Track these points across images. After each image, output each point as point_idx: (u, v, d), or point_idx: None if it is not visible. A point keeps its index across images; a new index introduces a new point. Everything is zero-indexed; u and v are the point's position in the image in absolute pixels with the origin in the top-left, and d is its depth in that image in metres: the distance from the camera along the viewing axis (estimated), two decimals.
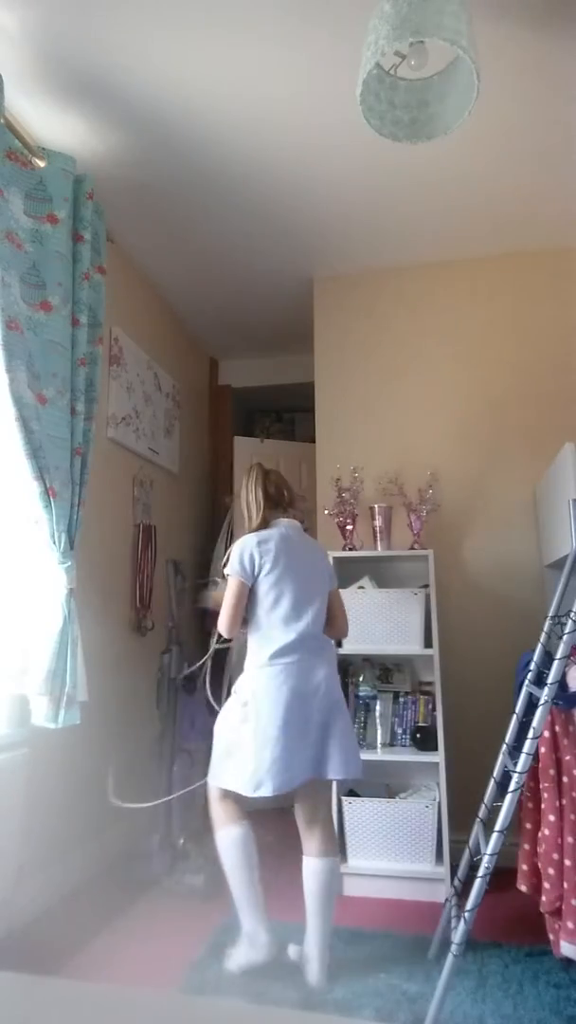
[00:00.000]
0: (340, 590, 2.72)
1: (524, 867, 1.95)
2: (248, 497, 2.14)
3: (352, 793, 2.67)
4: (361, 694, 2.77)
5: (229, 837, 1.96)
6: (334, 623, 2.16)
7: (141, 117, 2.31)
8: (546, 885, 1.84)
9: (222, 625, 2.00)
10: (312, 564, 2.09)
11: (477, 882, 1.62)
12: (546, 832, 1.86)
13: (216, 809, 2.01)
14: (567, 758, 1.87)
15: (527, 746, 1.68)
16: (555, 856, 1.82)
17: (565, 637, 1.71)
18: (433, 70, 1.81)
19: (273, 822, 3.37)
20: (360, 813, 2.55)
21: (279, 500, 2.14)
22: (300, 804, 1.99)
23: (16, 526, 2.29)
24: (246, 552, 2.01)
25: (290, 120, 2.33)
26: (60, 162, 2.33)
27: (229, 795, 1.99)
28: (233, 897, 1.95)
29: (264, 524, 2.09)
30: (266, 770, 1.85)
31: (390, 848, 2.52)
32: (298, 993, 1.84)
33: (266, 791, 1.83)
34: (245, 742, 1.92)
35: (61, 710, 2.18)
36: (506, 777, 1.84)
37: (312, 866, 1.93)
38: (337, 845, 2.02)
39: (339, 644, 2.64)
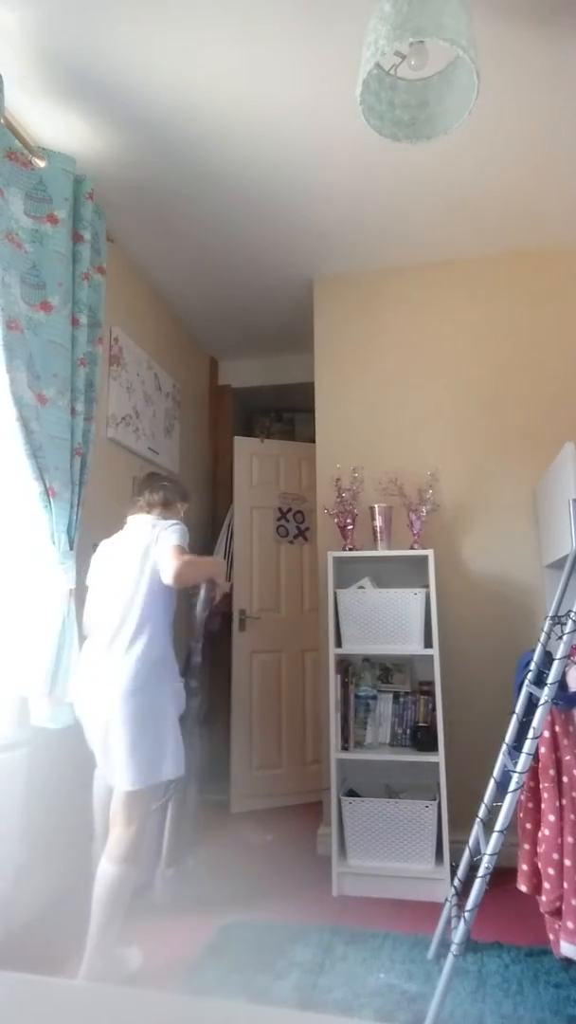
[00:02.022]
0: (340, 590, 2.74)
1: (524, 867, 1.95)
2: None
3: (352, 793, 2.67)
4: (361, 694, 2.77)
5: None
6: (162, 572, 2.00)
7: (142, 117, 2.31)
8: (546, 885, 1.83)
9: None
10: (130, 551, 2.09)
11: (477, 882, 1.62)
12: (546, 832, 1.86)
13: None
14: (567, 758, 1.87)
15: (527, 746, 1.68)
16: (555, 856, 1.82)
17: (565, 637, 1.71)
18: (433, 70, 1.81)
19: (273, 822, 3.38)
20: (360, 813, 2.55)
21: (138, 501, 2.28)
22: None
23: (16, 526, 2.29)
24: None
25: (290, 120, 2.33)
26: (60, 162, 2.33)
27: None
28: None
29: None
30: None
31: (390, 848, 2.52)
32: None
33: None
34: None
35: (59, 710, 2.18)
36: (506, 777, 1.84)
37: (98, 870, 1.91)
38: (126, 853, 1.90)
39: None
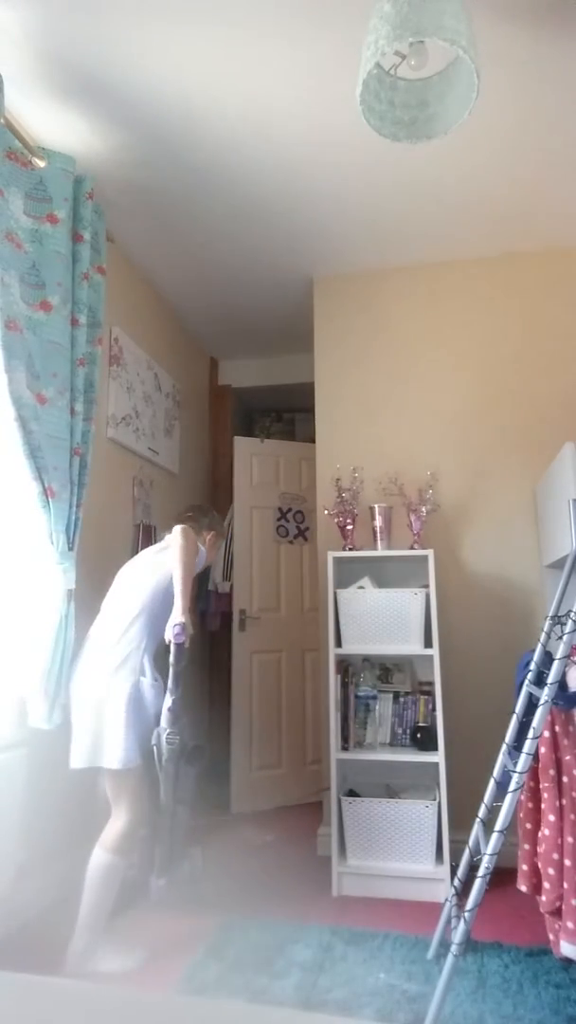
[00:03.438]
0: (340, 590, 2.74)
1: (524, 867, 1.95)
2: None
3: (352, 793, 2.67)
4: (361, 694, 2.77)
5: None
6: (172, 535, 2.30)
7: (141, 117, 2.31)
8: (546, 885, 1.84)
9: None
10: (135, 568, 2.30)
11: (477, 882, 1.62)
12: (546, 832, 1.86)
13: None
14: (567, 758, 1.87)
15: (527, 746, 1.68)
16: (555, 856, 1.82)
17: (565, 637, 1.71)
18: (433, 70, 1.81)
19: (273, 822, 3.38)
20: (360, 813, 2.55)
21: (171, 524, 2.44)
22: None
23: (16, 526, 2.29)
24: None
25: (290, 120, 2.33)
26: (60, 162, 2.33)
27: None
28: None
29: None
30: None
31: (390, 848, 2.52)
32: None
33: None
34: None
35: (56, 711, 2.18)
36: (506, 777, 1.84)
37: (92, 854, 2.05)
38: (112, 844, 2.03)
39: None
